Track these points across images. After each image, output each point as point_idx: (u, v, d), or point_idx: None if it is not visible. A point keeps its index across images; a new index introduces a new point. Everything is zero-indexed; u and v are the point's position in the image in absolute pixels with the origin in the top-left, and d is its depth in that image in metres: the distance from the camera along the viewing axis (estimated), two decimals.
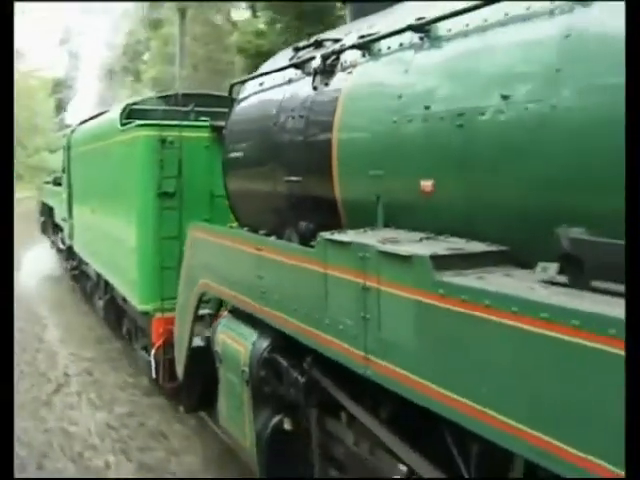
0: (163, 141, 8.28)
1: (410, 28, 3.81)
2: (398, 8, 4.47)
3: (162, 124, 8.38)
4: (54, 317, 14.30)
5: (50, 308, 15.14)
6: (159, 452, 7.48)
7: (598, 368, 2.22)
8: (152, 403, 8.95)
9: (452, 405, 2.83)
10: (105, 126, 10.79)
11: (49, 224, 22.60)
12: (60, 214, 17.17)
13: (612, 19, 2.71)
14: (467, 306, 2.69)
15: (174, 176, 8.28)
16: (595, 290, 2.49)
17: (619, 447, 2.10)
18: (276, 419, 4.91)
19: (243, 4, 30.63)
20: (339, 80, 4.56)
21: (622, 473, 2.11)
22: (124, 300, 10.00)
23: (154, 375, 8.46)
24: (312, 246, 4.00)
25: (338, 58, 4.66)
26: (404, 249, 3.10)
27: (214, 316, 6.62)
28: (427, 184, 3.55)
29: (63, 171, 15.52)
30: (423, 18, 3.74)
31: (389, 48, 4.13)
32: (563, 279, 2.64)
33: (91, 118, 13.49)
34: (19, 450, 7.26)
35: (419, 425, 3.52)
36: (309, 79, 4.91)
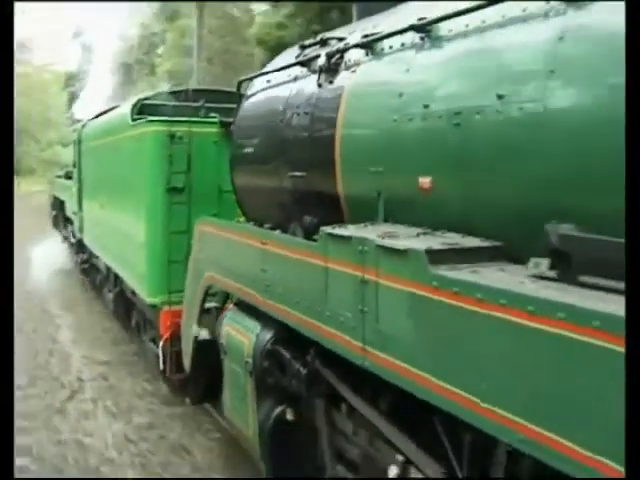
0: (172, 137, 8.40)
1: (412, 28, 3.90)
2: (401, 8, 4.56)
3: (172, 120, 8.49)
4: (67, 316, 13.82)
5: (62, 306, 14.72)
6: (182, 468, 7.06)
7: (583, 360, 2.31)
8: (172, 413, 8.43)
9: (445, 395, 2.92)
10: (116, 121, 10.92)
11: (60, 218, 22.77)
12: (71, 208, 17.34)
13: (604, 21, 2.80)
14: (460, 299, 2.79)
15: (183, 171, 8.39)
16: (583, 285, 2.58)
17: (602, 433, 2.19)
18: (278, 410, 5.01)
19: None
20: (343, 78, 4.65)
21: (605, 461, 2.20)
22: (133, 293, 10.13)
23: (162, 367, 8.59)
24: (315, 240, 4.10)
25: (342, 57, 4.76)
26: (401, 243, 3.19)
27: (220, 309, 6.72)
28: (425, 181, 3.64)
29: (74, 165, 15.68)
30: (425, 18, 3.83)
31: (391, 47, 4.22)
32: (552, 274, 2.73)
33: (102, 113, 13.62)
34: (30, 464, 7.00)
35: (417, 416, 3.61)
36: (314, 77, 5.00)
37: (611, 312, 2.20)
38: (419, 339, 3.08)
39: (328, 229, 3.85)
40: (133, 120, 9.42)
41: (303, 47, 5.57)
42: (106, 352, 11.08)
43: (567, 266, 2.66)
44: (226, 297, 6.68)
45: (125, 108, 10.34)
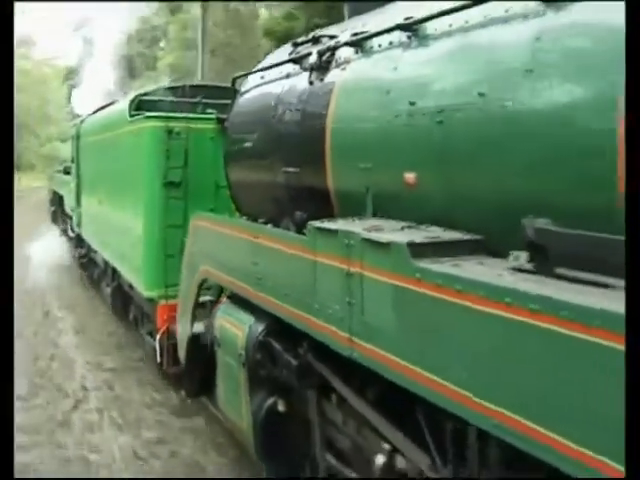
0: (170, 132, 8.50)
1: (398, 27, 3.99)
2: (390, 8, 4.65)
3: (169, 116, 8.59)
4: (69, 318, 13.26)
5: (64, 306, 14.17)
6: None
7: (554, 349, 2.40)
8: (184, 426, 7.92)
9: (427, 384, 3.02)
10: (114, 117, 11.02)
11: (59, 213, 22.89)
12: (69, 203, 17.45)
13: (581, 22, 2.89)
14: (441, 291, 2.88)
15: (180, 166, 8.50)
16: (559, 277, 2.67)
17: (576, 416, 2.29)
18: (270, 401, 5.11)
19: None
20: (333, 75, 4.75)
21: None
22: (130, 287, 10.24)
23: (158, 360, 8.70)
24: (304, 234, 4.20)
25: (333, 54, 4.85)
26: (384, 236, 3.29)
27: (214, 303, 6.82)
28: (410, 176, 3.74)
29: (72, 160, 15.78)
30: (411, 18, 3.92)
31: (380, 46, 4.31)
32: (530, 267, 2.82)
33: (101, 108, 13.72)
34: None
35: (402, 405, 3.71)
36: (306, 74, 5.09)
37: (583, 304, 2.29)
38: (402, 330, 3.18)
39: (316, 223, 3.95)
40: (131, 116, 9.52)
41: (296, 44, 5.66)
42: (111, 358, 10.57)
43: (544, 259, 2.75)
44: (220, 291, 6.78)
45: (123, 104, 10.43)
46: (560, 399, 2.37)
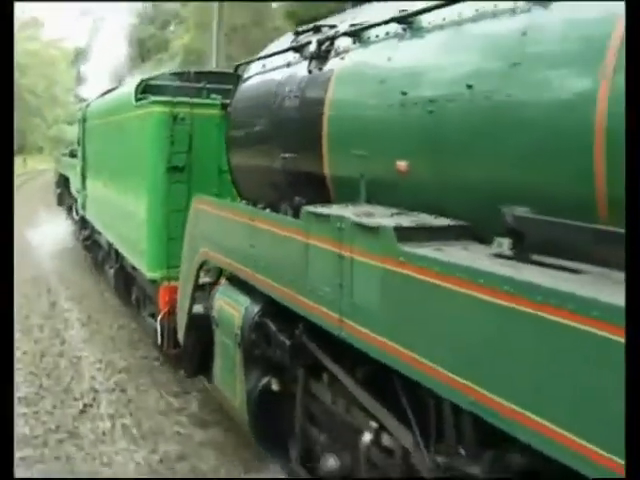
0: (175, 117, 8.62)
1: (394, 20, 4.12)
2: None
3: (174, 101, 8.71)
4: (76, 309, 12.68)
5: (71, 297, 13.59)
6: None
7: (525, 328, 2.53)
8: (206, 439, 7.29)
9: (410, 363, 3.15)
10: (120, 100, 11.14)
11: (65, 195, 23.03)
12: (75, 185, 17.60)
13: (565, 19, 3.01)
14: (422, 272, 3.02)
15: (184, 151, 8.62)
16: (535, 263, 2.81)
17: (544, 392, 2.42)
18: (265, 380, 5.27)
19: None
20: (332, 64, 4.88)
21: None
22: (133, 269, 10.38)
23: (159, 341, 8.86)
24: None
25: (332, 44, 4.97)
26: (373, 221, 3.43)
27: (213, 284, 6.96)
28: (402, 164, 3.87)
29: (78, 143, 15.92)
30: (406, 10, 4.05)
31: (377, 36, 4.44)
32: (510, 253, 2.96)
33: (107, 92, 13.85)
34: None
35: (389, 384, 3.86)
36: (306, 62, 5.22)
37: (551, 286, 2.42)
38: (387, 310, 3.32)
39: (310, 208, 4.09)
40: (137, 100, 9.65)
41: (297, 33, 5.78)
42: (123, 355, 9.98)
43: (521, 245, 2.89)
44: (219, 273, 6.92)
45: (129, 88, 10.55)
46: (533, 377, 2.50)
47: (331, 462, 4.49)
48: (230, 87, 8.03)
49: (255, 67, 6.49)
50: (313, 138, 4.81)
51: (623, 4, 2.70)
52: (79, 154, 15.69)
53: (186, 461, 6.84)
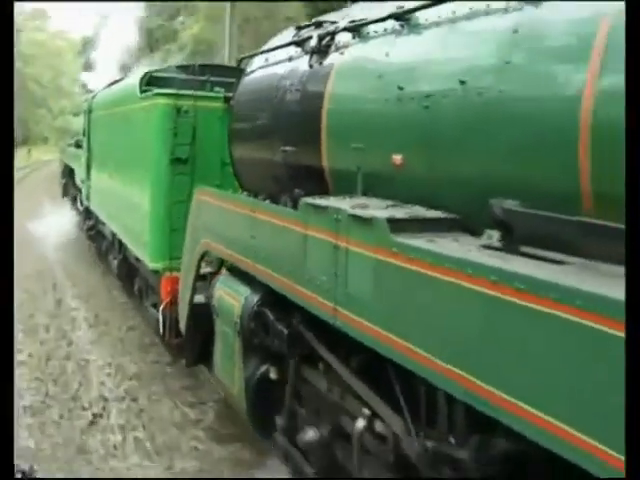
0: (178, 110, 8.73)
1: (392, 16, 4.21)
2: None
3: (178, 93, 8.82)
4: (83, 307, 12.18)
5: (78, 295, 13.08)
6: None
7: (513, 317, 2.62)
8: (226, 455, 6.79)
9: (404, 352, 3.24)
10: (125, 92, 11.25)
11: (70, 186, 23.16)
12: (80, 176, 17.73)
13: (555, 18, 3.10)
14: (414, 263, 3.12)
15: (187, 143, 8.73)
16: (524, 254, 2.90)
17: (530, 381, 2.52)
18: (263, 368, 5.38)
19: None
20: (332, 59, 4.97)
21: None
22: (137, 260, 10.50)
23: (161, 330, 8.97)
24: None
25: (333, 39, 5.06)
26: (368, 213, 3.52)
27: (214, 274, 7.07)
28: (397, 158, 3.97)
29: (83, 134, 16.04)
30: (403, 7, 4.15)
31: (376, 32, 4.53)
32: (498, 244, 3.05)
33: (112, 83, 13.97)
34: None
35: (382, 372, 3.95)
36: (307, 57, 5.32)
37: (535, 276, 2.52)
38: (380, 300, 3.42)
39: (308, 199, 4.19)
40: (141, 92, 9.75)
41: (299, 28, 5.87)
42: (133, 360, 9.47)
43: (510, 237, 2.98)
44: (220, 263, 7.03)
45: (134, 80, 10.66)
46: (519, 365, 2.59)
47: (310, 434, 4.69)
48: (233, 80, 8.14)
49: (258, 61, 6.58)
50: (313, 131, 4.91)
51: (609, 4, 2.80)
52: (84, 145, 15.81)
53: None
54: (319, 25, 5.51)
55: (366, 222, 3.47)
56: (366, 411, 4.12)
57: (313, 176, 5.04)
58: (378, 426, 4.04)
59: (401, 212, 3.55)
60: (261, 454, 6.42)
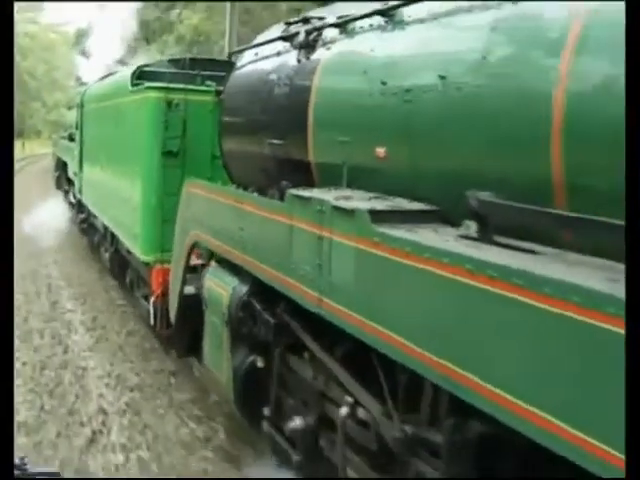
0: (169, 103, 8.81)
1: (377, 12, 4.31)
2: None
3: (169, 87, 8.90)
4: (79, 309, 11.69)
5: (74, 295, 12.61)
6: None
7: (487, 305, 2.72)
8: None
9: (383, 338, 3.35)
10: (117, 86, 11.33)
11: (63, 178, 23.22)
12: (72, 169, 17.79)
13: (532, 16, 3.20)
14: (394, 252, 3.22)
15: (178, 136, 8.81)
16: (497, 244, 3.00)
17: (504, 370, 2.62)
18: (251, 358, 5.48)
19: None
20: (319, 54, 5.06)
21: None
22: (128, 252, 10.59)
23: (152, 322, 9.06)
24: None
25: (320, 34, 5.15)
26: (350, 204, 3.62)
27: (204, 266, 7.16)
28: (381, 151, 4.07)
29: (76, 127, 16.11)
30: (387, 3, 4.25)
31: (361, 28, 4.63)
32: (475, 234, 3.15)
33: (105, 77, 14.03)
34: None
35: (365, 360, 4.05)
36: (295, 52, 5.40)
37: (505, 264, 2.62)
38: (362, 288, 3.52)
39: (294, 191, 4.29)
40: (132, 85, 9.83)
41: (288, 24, 5.96)
42: (134, 368, 8.94)
43: (485, 227, 3.08)
44: (210, 255, 7.12)
45: (125, 74, 10.74)
46: (492, 351, 2.69)
47: (296, 422, 4.81)
48: (224, 74, 8.22)
49: (248, 55, 6.67)
50: (300, 124, 5.00)
51: (583, 3, 2.89)
52: (77, 138, 15.88)
53: None
54: (307, 21, 5.59)
55: (348, 213, 3.57)
56: (349, 399, 4.22)
57: (300, 169, 5.14)
58: (361, 413, 4.14)
59: (383, 204, 3.64)
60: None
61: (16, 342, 9.60)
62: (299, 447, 4.88)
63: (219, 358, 5.80)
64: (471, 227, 3.23)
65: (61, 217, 20.81)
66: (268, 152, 5.68)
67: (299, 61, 5.30)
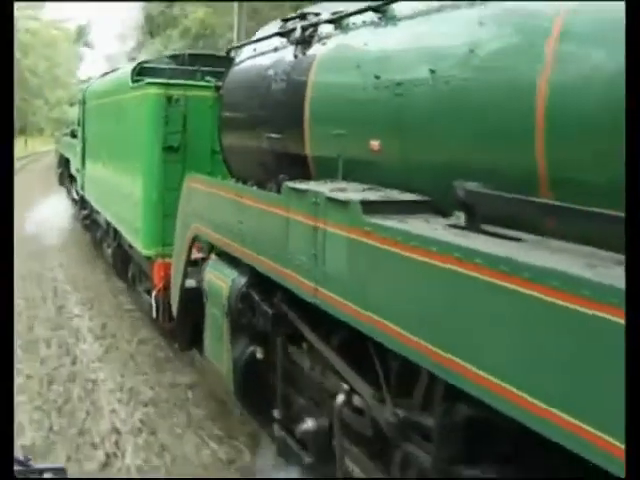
0: (169, 99, 8.92)
1: (370, 9, 4.41)
2: None
3: (169, 83, 9.01)
4: (87, 315, 11.22)
5: (80, 300, 12.17)
6: None
7: (476, 292, 2.81)
8: None
9: (377, 326, 3.44)
10: (118, 82, 11.44)
11: (65, 175, 23.36)
12: (75, 165, 17.92)
13: (518, 11, 3.29)
14: (384, 241, 3.32)
15: (178, 132, 8.92)
16: (485, 232, 3.10)
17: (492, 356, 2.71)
18: (250, 349, 5.58)
19: None
20: (315, 49, 5.16)
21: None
22: (130, 247, 10.71)
23: (154, 315, 9.18)
24: None
25: (316, 30, 5.25)
26: (343, 195, 3.72)
27: (205, 259, 7.27)
28: (375, 144, 4.16)
29: (78, 124, 16.23)
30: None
31: (355, 24, 4.72)
32: (462, 223, 3.25)
33: (106, 73, 14.15)
34: None
35: (360, 349, 4.15)
36: (292, 47, 5.50)
37: (492, 252, 2.71)
38: (355, 277, 3.62)
39: (290, 183, 4.39)
40: (133, 82, 9.94)
41: (285, 20, 6.05)
42: (147, 381, 8.36)
43: (472, 217, 3.18)
44: (210, 249, 7.22)
45: (126, 70, 10.85)
46: (485, 337, 2.78)
47: (308, 424, 4.82)
48: (223, 70, 8.32)
49: (246, 51, 6.77)
50: (296, 119, 5.10)
51: (565, 3, 2.99)
52: (79, 134, 16.01)
53: None
54: (303, 17, 5.69)
55: (341, 204, 3.67)
56: (345, 386, 4.32)
57: (297, 162, 5.24)
58: (356, 400, 4.25)
59: (375, 195, 3.74)
60: None
61: (21, 353, 9.27)
62: (311, 449, 4.82)
63: (219, 349, 5.90)
64: (461, 217, 3.33)
65: (64, 214, 20.85)
66: (266, 146, 5.77)
67: (296, 57, 5.40)
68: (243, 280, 5.50)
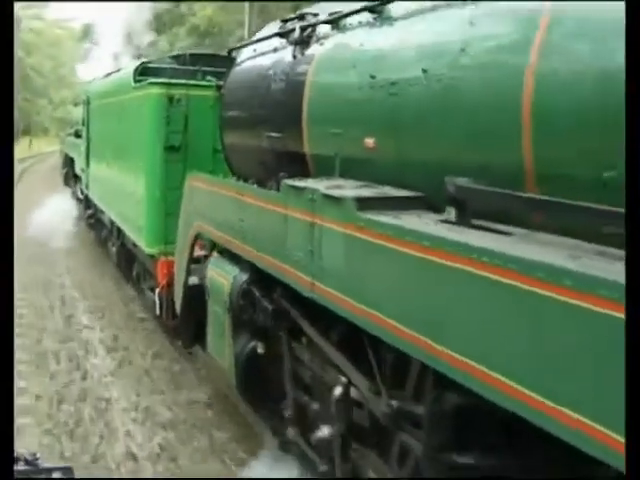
0: (171, 98, 9.03)
1: (366, 9, 4.51)
2: None
3: (171, 83, 9.11)
4: (97, 325, 10.67)
5: (89, 308, 11.63)
6: None
7: (465, 284, 2.90)
8: None
9: (371, 318, 3.54)
10: (120, 82, 11.56)
11: (70, 175, 23.48)
12: (79, 165, 18.04)
13: (507, 12, 3.39)
14: (378, 237, 3.41)
15: (180, 131, 9.03)
16: (475, 227, 3.19)
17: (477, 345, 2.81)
18: (252, 344, 5.68)
19: None
20: (313, 49, 5.26)
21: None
22: (134, 245, 10.82)
23: (158, 312, 9.29)
24: None
25: (314, 30, 5.35)
26: (338, 192, 3.82)
27: (207, 257, 7.37)
28: (370, 142, 4.26)
29: (82, 123, 16.36)
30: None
31: (351, 24, 4.82)
32: (453, 219, 3.34)
33: (109, 74, 14.28)
34: None
35: (357, 343, 4.25)
36: (291, 48, 5.60)
37: (485, 247, 2.80)
38: (350, 272, 3.72)
39: (289, 181, 4.50)
40: (135, 82, 10.05)
41: (285, 21, 6.15)
42: (164, 400, 7.77)
43: (463, 212, 3.27)
44: (212, 246, 7.32)
45: (128, 70, 10.96)
46: (475, 328, 2.87)
47: (324, 432, 4.69)
48: (224, 69, 8.42)
49: (247, 51, 6.87)
50: (295, 118, 5.20)
51: (553, 3, 3.08)
52: (83, 134, 16.13)
53: None
54: (302, 18, 5.79)
55: (337, 201, 3.77)
56: (343, 379, 4.42)
57: (297, 160, 5.34)
58: (353, 392, 4.35)
59: (369, 191, 3.84)
60: None
61: (24, 367, 8.77)
62: (325, 456, 4.73)
63: (221, 345, 6.00)
64: (452, 212, 3.42)
65: (69, 214, 20.62)
66: (266, 145, 5.88)
67: (294, 57, 5.50)
68: (244, 277, 5.59)
